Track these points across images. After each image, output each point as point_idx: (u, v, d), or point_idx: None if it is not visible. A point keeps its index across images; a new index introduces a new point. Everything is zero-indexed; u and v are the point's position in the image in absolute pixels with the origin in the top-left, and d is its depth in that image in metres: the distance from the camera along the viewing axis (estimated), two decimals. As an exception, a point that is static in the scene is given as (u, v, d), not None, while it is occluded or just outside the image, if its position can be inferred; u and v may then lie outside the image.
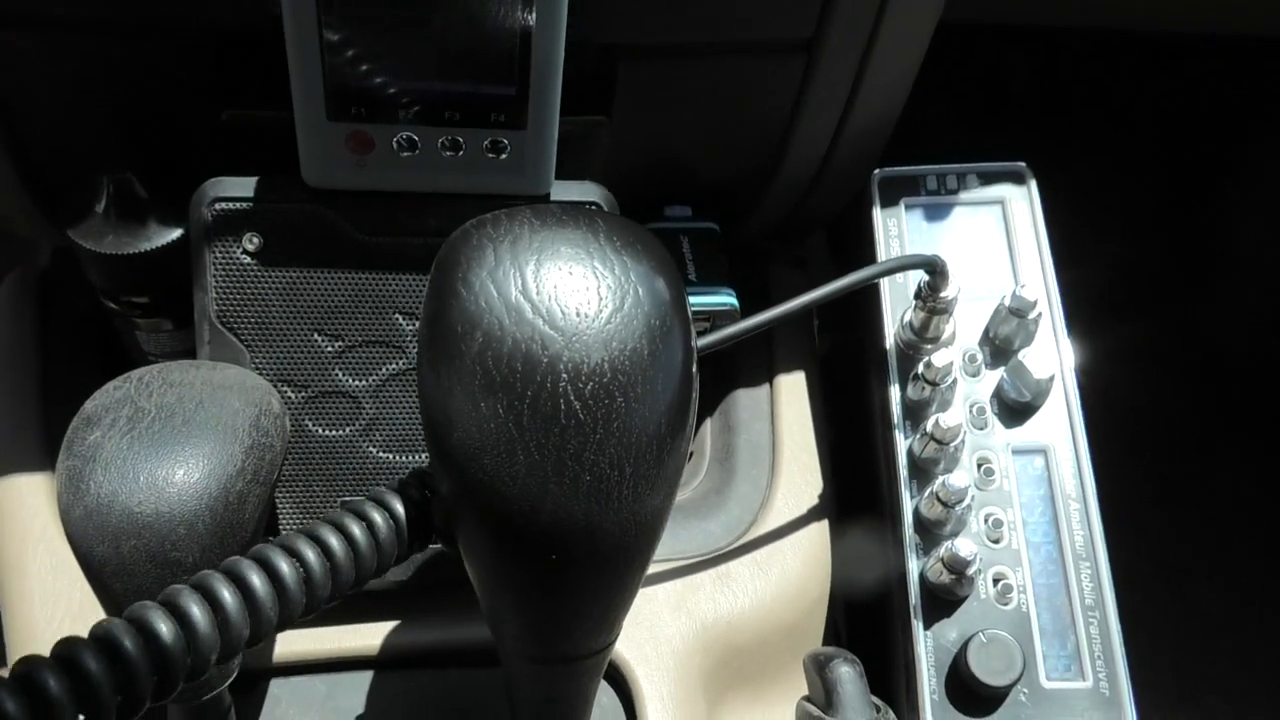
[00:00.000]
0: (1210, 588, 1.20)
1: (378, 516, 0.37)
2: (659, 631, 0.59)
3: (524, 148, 0.49)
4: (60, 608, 0.56)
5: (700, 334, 0.56)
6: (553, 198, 0.52)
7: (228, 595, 0.32)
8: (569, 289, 0.34)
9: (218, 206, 0.50)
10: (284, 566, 0.34)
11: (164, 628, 0.30)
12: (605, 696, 0.57)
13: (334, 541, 0.35)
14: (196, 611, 0.31)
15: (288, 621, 0.34)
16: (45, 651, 0.29)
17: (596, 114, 0.57)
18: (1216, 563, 1.21)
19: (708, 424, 0.73)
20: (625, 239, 0.35)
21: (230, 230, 0.50)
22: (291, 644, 0.55)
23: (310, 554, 0.35)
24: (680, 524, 0.65)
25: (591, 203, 0.53)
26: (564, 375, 0.33)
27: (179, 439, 0.41)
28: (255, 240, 0.50)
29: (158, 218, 0.53)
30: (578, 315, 0.33)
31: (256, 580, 0.33)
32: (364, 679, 0.55)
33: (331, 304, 0.51)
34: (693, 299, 0.64)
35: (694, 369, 0.36)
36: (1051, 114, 1.19)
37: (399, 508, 0.38)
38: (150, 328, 0.58)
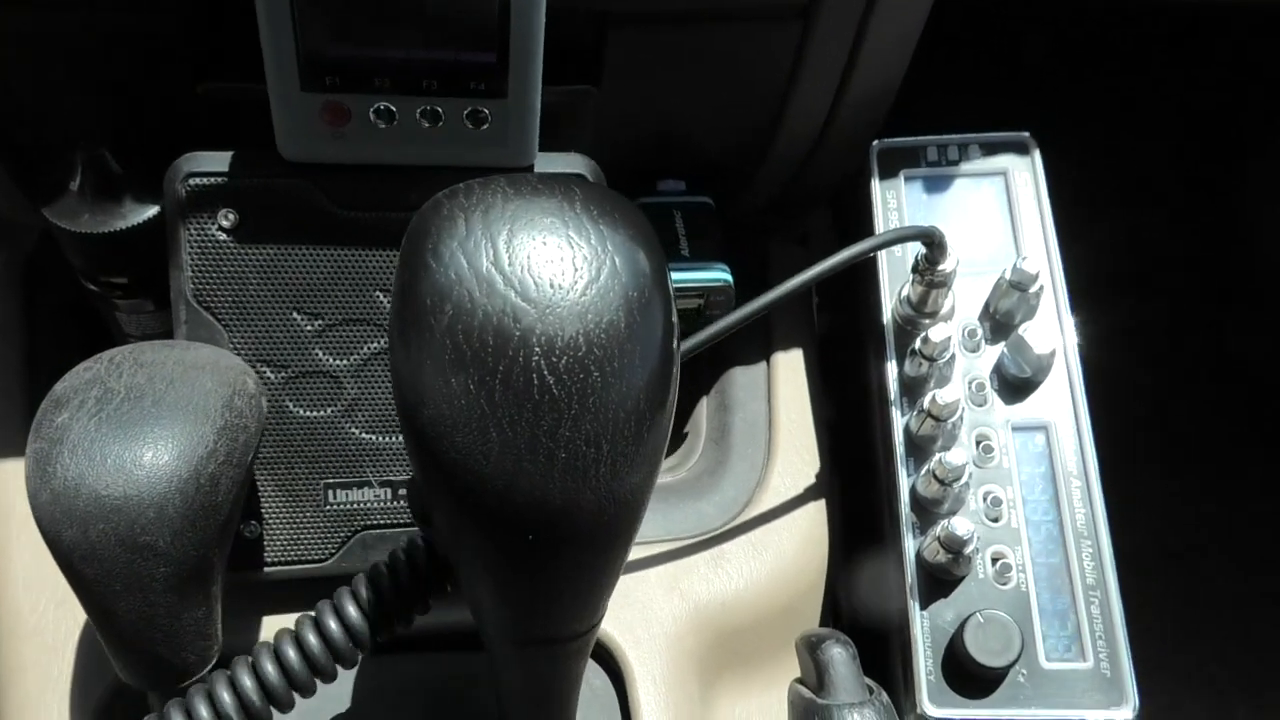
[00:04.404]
0: (1214, 565, 1.19)
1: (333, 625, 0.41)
2: (651, 613, 0.58)
3: (506, 118, 0.48)
4: (45, 594, 0.55)
5: (694, 323, 0.55)
6: (537, 170, 0.51)
7: None
8: (542, 259, 0.32)
9: (192, 182, 0.48)
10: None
11: None
12: (596, 678, 0.56)
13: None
14: None
15: None
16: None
17: (584, 84, 0.56)
18: (1220, 541, 1.20)
19: (703, 403, 0.72)
20: (603, 208, 0.34)
21: (205, 206, 0.48)
22: (274, 628, 0.54)
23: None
24: (674, 504, 0.64)
25: (576, 175, 0.52)
26: (537, 349, 0.31)
27: (148, 420, 0.40)
28: (231, 216, 0.49)
29: (134, 195, 0.52)
30: (551, 287, 0.32)
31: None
32: (350, 663, 0.54)
33: (310, 281, 0.50)
34: (686, 275, 0.63)
35: (675, 344, 0.35)
36: (1057, 84, 1.17)
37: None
38: (131, 309, 0.57)
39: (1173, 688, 1.07)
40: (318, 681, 0.42)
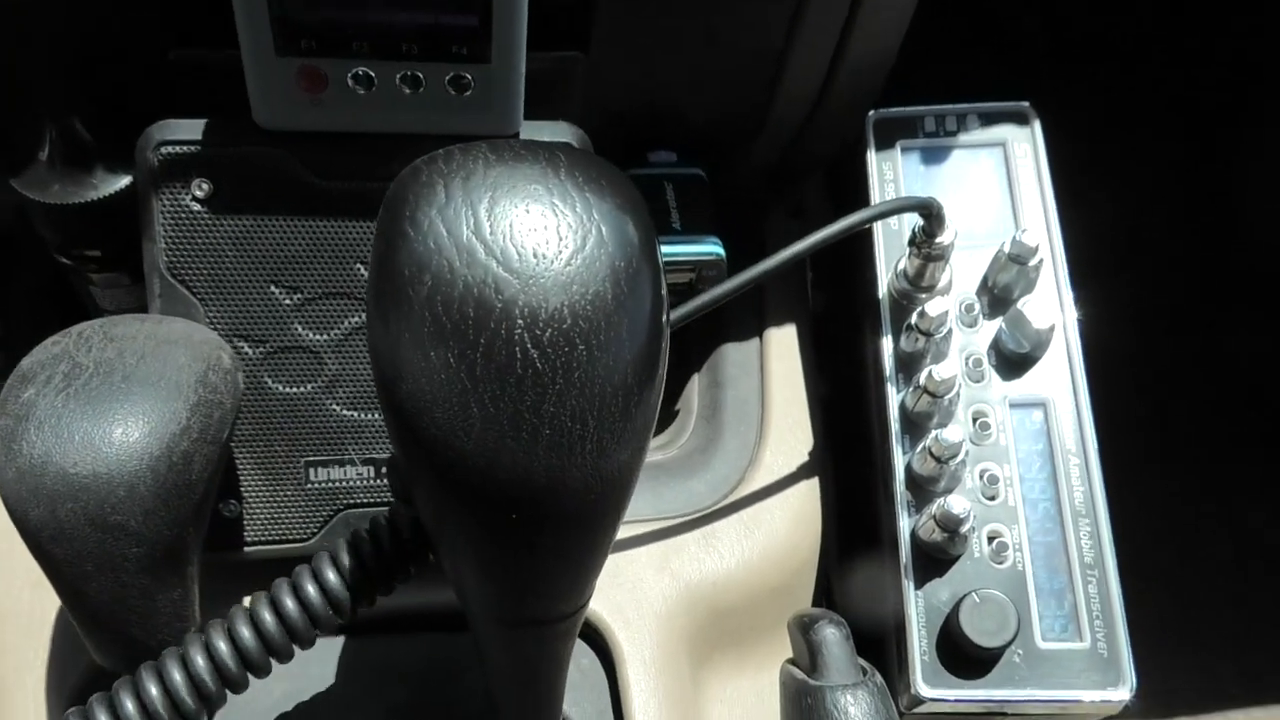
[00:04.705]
0: (1211, 544, 1.18)
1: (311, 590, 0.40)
2: (641, 593, 0.57)
3: (489, 84, 0.46)
4: (19, 576, 0.54)
5: (686, 297, 0.53)
6: (522, 138, 0.49)
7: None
8: (525, 228, 0.31)
9: (164, 150, 0.47)
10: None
11: None
12: (585, 659, 0.55)
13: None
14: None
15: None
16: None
17: (572, 49, 0.54)
18: (1219, 519, 1.19)
19: (695, 379, 0.71)
20: (588, 175, 0.33)
21: (178, 176, 0.47)
22: (255, 609, 0.53)
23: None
24: (665, 483, 0.63)
25: (563, 144, 0.50)
26: (520, 322, 0.30)
27: (118, 396, 0.38)
28: (205, 186, 0.47)
29: (105, 165, 0.50)
30: (535, 256, 0.30)
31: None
32: (333, 645, 0.53)
33: (288, 254, 0.48)
34: (677, 248, 0.62)
35: (665, 316, 0.34)
36: (1059, 53, 1.15)
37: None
38: (106, 283, 0.56)
39: (1167, 665, 1.07)
40: (295, 648, 0.40)
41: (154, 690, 0.38)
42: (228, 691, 0.39)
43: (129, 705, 0.37)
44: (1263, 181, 1.20)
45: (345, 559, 0.41)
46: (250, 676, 0.40)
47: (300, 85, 0.45)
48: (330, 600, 0.40)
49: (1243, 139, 1.21)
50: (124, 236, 0.52)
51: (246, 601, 0.41)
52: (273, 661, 0.40)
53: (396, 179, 0.33)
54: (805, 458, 0.65)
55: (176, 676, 0.38)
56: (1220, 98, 1.20)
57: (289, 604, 0.40)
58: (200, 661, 0.38)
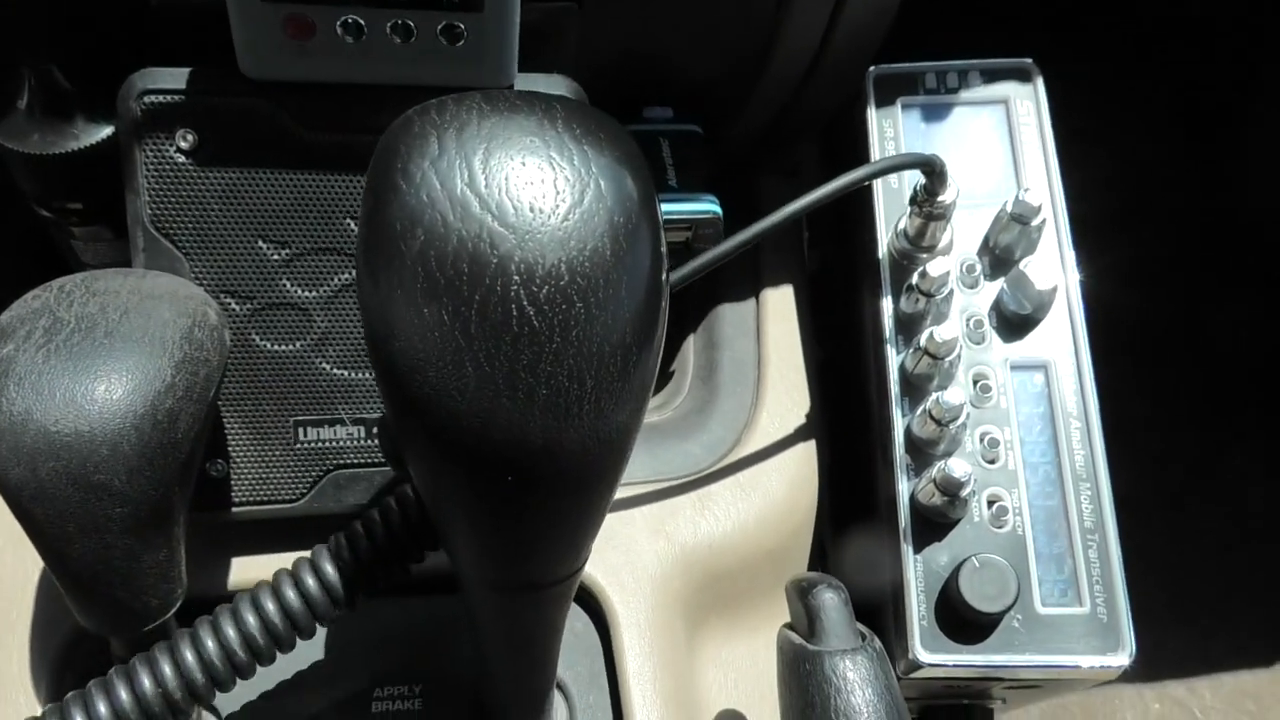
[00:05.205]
0: (1205, 509, 1.19)
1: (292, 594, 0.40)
2: (636, 556, 0.56)
3: (482, 34, 0.45)
4: (2, 535, 0.53)
5: (681, 257, 0.52)
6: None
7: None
8: (522, 181, 0.30)
9: (147, 100, 0.45)
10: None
11: None
12: (579, 623, 0.55)
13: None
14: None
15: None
16: None
17: (566, 0, 0.52)
18: (1213, 484, 1.20)
19: (690, 340, 0.70)
20: (586, 127, 0.31)
21: (162, 126, 0.45)
22: (243, 570, 0.52)
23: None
24: (660, 444, 0.62)
25: (560, 96, 0.49)
26: (516, 278, 0.29)
27: (100, 352, 0.37)
28: (190, 137, 0.46)
29: (85, 114, 0.49)
30: (531, 211, 0.29)
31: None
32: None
33: (276, 207, 0.47)
34: (673, 206, 0.61)
35: (664, 274, 0.33)
36: (1063, 9, 1.13)
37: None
38: (88, 237, 0.54)
39: (1161, 629, 1.08)
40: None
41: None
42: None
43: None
44: (1267, 142, 1.19)
45: (345, 550, 0.42)
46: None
47: (287, 33, 0.43)
48: (330, 596, 0.41)
49: (1248, 102, 1.20)
50: (106, 188, 0.50)
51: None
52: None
53: (387, 130, 0.32)
54: (802, 420, 0.64)
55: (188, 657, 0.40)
56: (1227, 52, 1.18)
57: (290, 595, 0.41)
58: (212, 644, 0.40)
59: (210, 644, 0.40)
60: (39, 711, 0.49)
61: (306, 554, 0.43)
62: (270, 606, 0.40)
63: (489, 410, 0.30)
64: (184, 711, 0.40)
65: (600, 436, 0.32)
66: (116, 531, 0.38)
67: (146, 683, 0.38)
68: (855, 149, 0.65)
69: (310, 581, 0.41)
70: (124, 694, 0.38)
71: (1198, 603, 1.16)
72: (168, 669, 0.39)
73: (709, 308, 0.69)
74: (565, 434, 0.31)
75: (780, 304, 0.69)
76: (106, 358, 0.37)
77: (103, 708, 0.38)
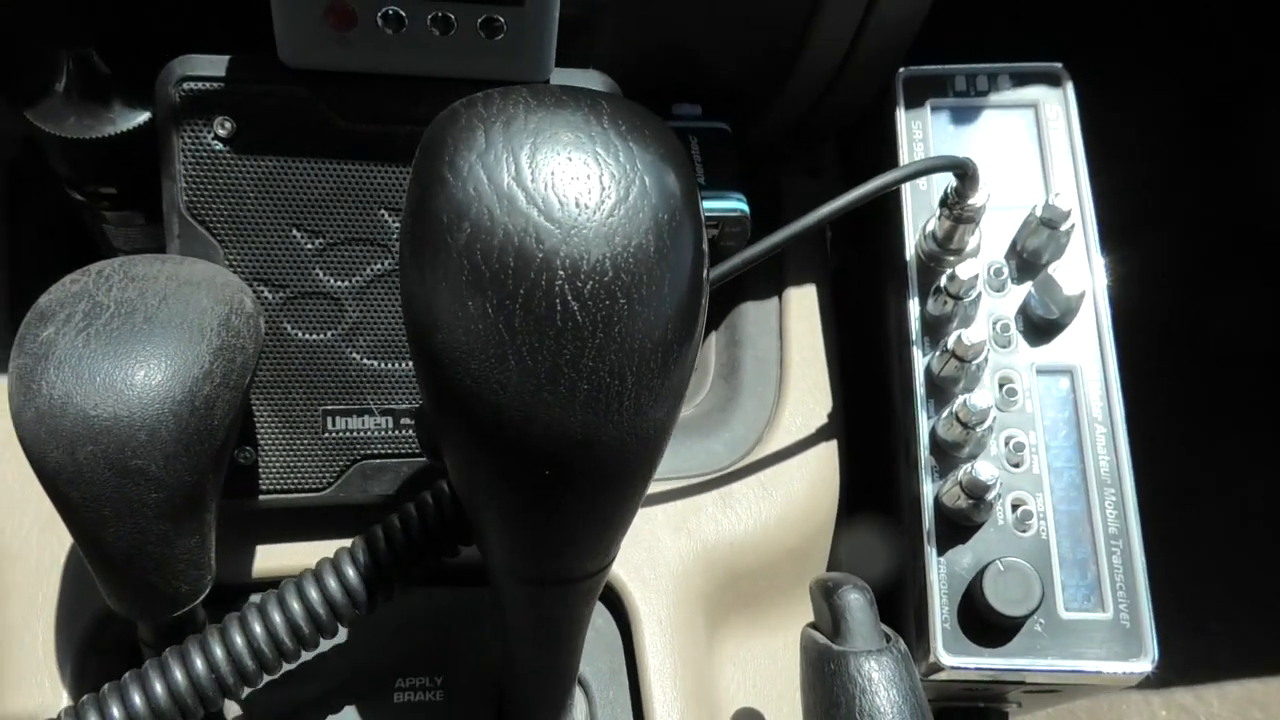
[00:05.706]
0: (1218, 512, 1.18)
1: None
2: (658, 553, 0.56)
3: (521, 28, 0.45)
4: (28, 517, 0.53)
5: (711, 257, 0.52)
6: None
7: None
8: (567, 176, 0.30)
9: (186, 86, 0.45)
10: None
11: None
12: (601, 619, 0.55)
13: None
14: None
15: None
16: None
17: (600, -5, 0.52)
18: (1226, 492, 1.19)
19: (713, 338, 0.70)
20: (631, 124, 0.32)
21: (200, 113, 0.45)
22: (268, 558, 0.52)
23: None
24: (682, 442, 0.62)
25: (602, 92, 0.49)
26: (560, 272, 0.29)
27: (140, 337, 0.38)
28: (228, 125, 0.46)
29: (123, 99, 0.49)
30: (577, 206, 0.29)
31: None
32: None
33: (311, 197, 0.47)
34: (702, 204, 0.60)
35: (705, 272, 0.33)
36: (1094, 13, 1.13)
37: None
38: (120, 221, 0.54)
39: (1170, 633, 1.08)
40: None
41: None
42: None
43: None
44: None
45: (382, 545, 0.43)
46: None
47: (328, 23, 0.43)
48: (368, 588, 0.42)
49: (1264, 103, 1.19)
50: (140, 174, 0.50)
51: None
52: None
53: (434, 122, 0.32)
54: (824, 420, 0.64)
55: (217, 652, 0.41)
56: (1257, 56, 1.17)
57: (314, 596, 0.42)
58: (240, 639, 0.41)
59: (260, 628, 0.41)
60: (63, 694, 0.50)
61: (333, 545, 0.43)
62: (314, 595, 0.41)
63: (530, 404, 0.30)
64: (213, 700, 0.40)
65: (639, 433, 0.32)
66: (151, 516, 0.38)
67: (179, 676, 0.39)
68: (882, 150, 0.65)
69: (349, 571, 0.42)
70: (159, 687, 0.39)
71: (1207, 610, 1.15)
72: (200, 663, 0.40)
73: (732, 305, 0.69)
74: (604, 429, 0.31)
75: (803, 303, 0.69)
76: (146, 343, 0.37)
77: (138, 699, 0.39)
